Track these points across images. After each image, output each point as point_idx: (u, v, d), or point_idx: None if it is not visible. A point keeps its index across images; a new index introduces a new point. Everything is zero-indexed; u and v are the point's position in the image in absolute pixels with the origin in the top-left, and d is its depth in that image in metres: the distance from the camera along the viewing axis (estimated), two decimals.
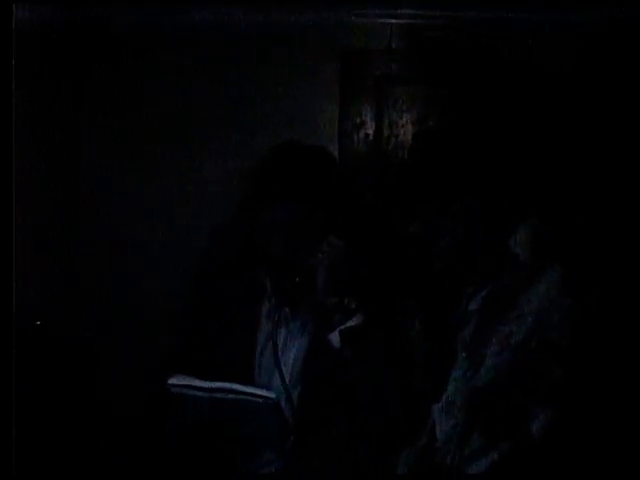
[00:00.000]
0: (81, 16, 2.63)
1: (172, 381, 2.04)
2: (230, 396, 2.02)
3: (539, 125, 2.87)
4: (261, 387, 2.10)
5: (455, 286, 2.12)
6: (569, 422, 1.94)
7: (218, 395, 2.02)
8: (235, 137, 2.96)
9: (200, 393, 2.02)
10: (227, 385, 2.02)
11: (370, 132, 3.03)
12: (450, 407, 2.04)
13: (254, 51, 2.98)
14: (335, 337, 2.19)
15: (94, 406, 2.75)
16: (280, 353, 2.22)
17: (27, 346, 2.06)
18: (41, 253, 2.55)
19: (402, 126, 3.02)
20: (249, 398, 2.01)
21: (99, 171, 2.95)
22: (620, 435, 1.98)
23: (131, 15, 2.63)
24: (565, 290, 2.01)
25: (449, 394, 2.05)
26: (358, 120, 3.03)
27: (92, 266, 2.95)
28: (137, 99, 2.98)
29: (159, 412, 2.13)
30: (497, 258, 2.08)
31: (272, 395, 2.04)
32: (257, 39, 2.96)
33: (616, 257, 2.55)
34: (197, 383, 2.03)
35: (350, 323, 2.19)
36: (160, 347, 2.44)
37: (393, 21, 2.96)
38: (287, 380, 2.20)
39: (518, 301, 2.02)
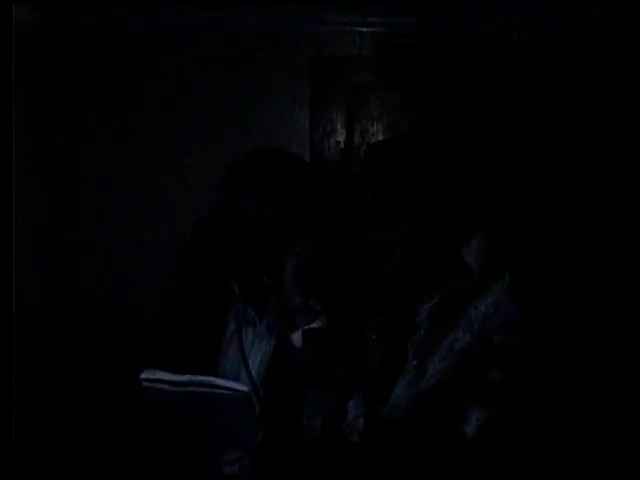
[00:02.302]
0: (81, 16, 2.62)
1: (144, 375, 2.05)
2: (202, 389, 2.03)
3: (497, 136, 2.96)
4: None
5: (408, 294, 2.16)
6: (505, 424, 1.98)
7: (190, 388, 2.02)
8: (204, 142, 2.98)
9: (171, 387, 2.03)
10: (199, 378, 2.03)
11: (341, 140, 3.01)
12: (393, 411, 2.10)
13: (224, 58, 2.99)
14: (298, 337, 2.22)
15: (91, 404, 2.73)
16: (247, 353, 2.25)
17: (26, 345, 2.05)
18: (41, 253, 2.53)
19: (373, 134, 3.00)
20: (221, 391, 2.02)
21: (99, 171, 2.94)
22: (554, 437, 2.02)
23: (130, 15, 2.63)
24: (512, 298, 2.05)
25: (394, 398, 2.09)
26: (329, 127, 3.01)
27: (91, 266, 2.94)
28: (136, 99, 2.97)
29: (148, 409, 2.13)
30: (450, 267, 2.12)
31: (244, 388, 2.05)
32: (227, 46, 2.98)
33: (562, 266, 2.66)
34: (168, 377, 2.04)
35: (314, 325, 2.23)
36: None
37: (363, 29, 3.00)
38: (255, 378, 2.22)
39: (467, 309, 2.05)
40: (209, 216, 2.48)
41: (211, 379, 2.05)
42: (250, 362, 2.24)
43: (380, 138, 2.99)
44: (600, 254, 2.79)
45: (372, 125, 3.04)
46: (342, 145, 3.03)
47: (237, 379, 2.20)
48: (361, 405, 2.14)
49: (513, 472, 1.98)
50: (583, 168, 2.90)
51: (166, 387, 2.03)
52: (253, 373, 2.22)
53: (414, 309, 2.14)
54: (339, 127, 3.03)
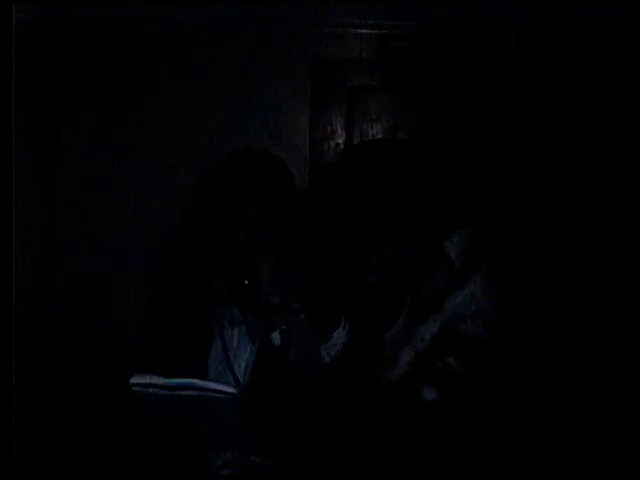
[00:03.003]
0: (80, 16, 2.62)
1: (133, 380, 2.04)
2: (191, 392, 2.02)
3: (492, 136, 2.98)
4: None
5: (387, 288, 2.20)
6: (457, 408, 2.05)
7: (180, 392, 2.02)
8: (204, 143, 2.99)
9: (161, 391, 2.02)
10: (188, 381, 2.02)
11: (340, 141, 3.05)
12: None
13: (225, 60, 3.01)
14: (276, 336, 2.24)
15: (82, 406, 2.75)
16: (232, 354, 2.26)
17: (25, 344, 2.04)
18: (34, 254, 2.54)
19: (372, 136, 3.04)
20: (210, 394, 2.01)
21: (95, 170, 2.96)
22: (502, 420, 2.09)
23: (130, 16, 2.64)
24: (484, 290, 2.10)
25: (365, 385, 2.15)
26: (329, 129, 3.05)
27: (77, 268, 2.96)
28: (137, 98, 2.98)
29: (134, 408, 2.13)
30: (432, 260, 2.16)
31: (232, 390, 2.04)
32: (228, 47, 2.99)
33: (538, 263, 2.70)
34: (158, 381, 2.02)
35: (291, 323, 2.24)
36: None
37: (364, 31, 3.02)
38: (240, 379, 2.23)
39: (443, 303, 2.11)
40: (191, 217, 2.49)
41: (200, 382, 2.04)
42: (235, 364, 2.25)
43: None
44: (580, 252, 2.85)
45: (371, 127, 3.05)
46: (342, 147, 3.05)
47: (223, 381, 2.19)
48: (345, 333, 2.23)
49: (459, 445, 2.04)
50: (575, 166, 2.93)
51: (156, 391, 2.03)
52: (239, 375, 2.23)
53: (395, 303, 2.18)
54: (339, 129, 3.04)
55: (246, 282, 2.26)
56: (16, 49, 1.99)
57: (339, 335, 2.27)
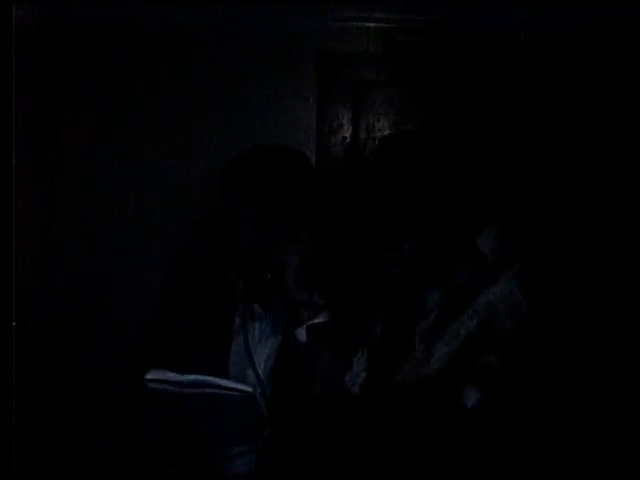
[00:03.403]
0: (80, 16, 2.62)
1: (149, 376, 2.04)
2: (207, 390, 2.02)
3: (503, 132, 2.97)
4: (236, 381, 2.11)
5: (418, 282, 2.19)
6: (498, 404, 2.04)
7: (195, 390, 2.02)
8: (213, 138, 2.98)
9: (176, 388, 2.02)
10: (203, 378, 2.02)
11: (347, 135, 3.04)
12: (397, 392, 2.11)
13: (232, 54, 3.00)
14: (302, 333, 2.23)
15: (92, 404, 2.75)
16: (253, 349, 2.24)
17: (25, 344, 2.04)
18: (38, 253, 2.54)
19: (379, 129, 3.03)
20: (226, 392, 2.02)
21: (96, 170, 2.95)
22: (545, 421, 2.09)
23: (130, 16, 2.64)
24: (519, 286, 2.11)
25: (398, 380, 2.13)
26: (335, 123, 3.03)
27: (90, 265, 2.96)
28: (138, 98, 2.98)
29: (138, 406, 2.13)
30: (463, 255, 2.16)
31: (248, 389, 2.05)
32: (234, 41, 2.98)
33: (570, 259, 2.68)
34: (173, 377, 2.03)
35: (318, 319, 2.24)
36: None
37: (370, 25, 3.00)
38: (261, 374, 2.22)
39: (476, 298, 2.11)
40: (209, 214, 2.49)
41: (215, 380, 2.04)
42: (256, 359, 2.24)
43: (386, 133, 3.00)
44: (607, 249, 2.82)
45: (378, 121, 3.04)
46: (348, 140, 3.04)
47: (243, 376, 2.21)
48: (365, 360, 2.19)
49: (503, 448, 2.05)
50: (589, 164, 2.92)
51: (170, 388, 2.03)
52: (260, 371, 2.22)
53: (424, 297, 2.17)
54: (345, 123, 3.03)
55: (268, 276, 2.25)
56: (16, 49, 1.99)
57: (359, 362, 2.24)
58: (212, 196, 2.51)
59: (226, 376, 2.17)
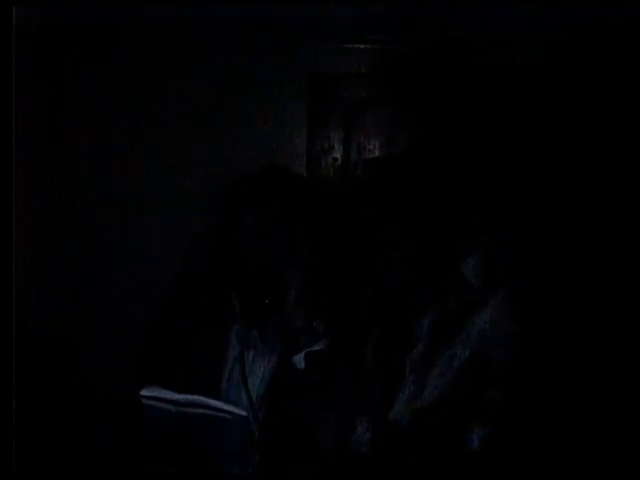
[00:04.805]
0: (80, 16, 2.61)
1: (143, 392, 2.03)
2: (199, 410, 2.00)
3: (494, 152, 2.96)
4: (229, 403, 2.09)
5: (406, 310, 2.16)
6: (506, 440, 1.99)
7: (188, 409, 2.01)
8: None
9: (170, 406, 2.02)
10: (197, 398, 2.01)
11: (338, 156, 3.04)
12: (394, 426, 2.10)
13: (224, 74, 3.00)
14: (300, 359, 2.22)
15: (86, 414, 2.75)
16: (248, 373, 2.24)
17: (25, 344, 2.04)
18: (39, 256, 2.54)
19: (370, 150, 3.02)
20: (218, 414, 2.00)
21: (97, 173, 2.95)
22: (555, 455, 2.06)
23: (129, 16, 2.63)
24: (510, 314, 2.07)
25: (395, 412, 2.10)
26: (326, 144, 3.03)
27: (89, 280, 2.97)
28: (137, 101, 2.98)
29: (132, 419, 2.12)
30: (449, 283, 2.13)
31: (242, 412, 2.03)
32: (226, 61, 2.99)
33: (560, 284, 2.67)
34: (167, 395, 2.01)
35: (316, 347, 2.23)
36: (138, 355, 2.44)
37: (362, 46, 3.01)
38: (254, 399, 2.22)
39: (465, 325, 2.06)
40: (209, 234, 2.49)
41: (209, 401, 2.02)
42: (250, 382, 2.24)
43: (377, 155, 3.00)
44: (598, 269, 2.82)
45: (369, 142, 3.04)
46: (339, 162, 3.04)
47: (237, 398, 2.21)
48: (367, 420, 2.13)
49: None
50: (585, 180, 2.91)
51: (164, 405, 2.02)
52: (253, 395, 2.22)
53: (413, 324, 2.14)
54: (336, 143, 3.03)
55: (266, 301, 2.25)
56: (16, 49, 1.99)
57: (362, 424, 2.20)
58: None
59: (219, 398, 2.16)
